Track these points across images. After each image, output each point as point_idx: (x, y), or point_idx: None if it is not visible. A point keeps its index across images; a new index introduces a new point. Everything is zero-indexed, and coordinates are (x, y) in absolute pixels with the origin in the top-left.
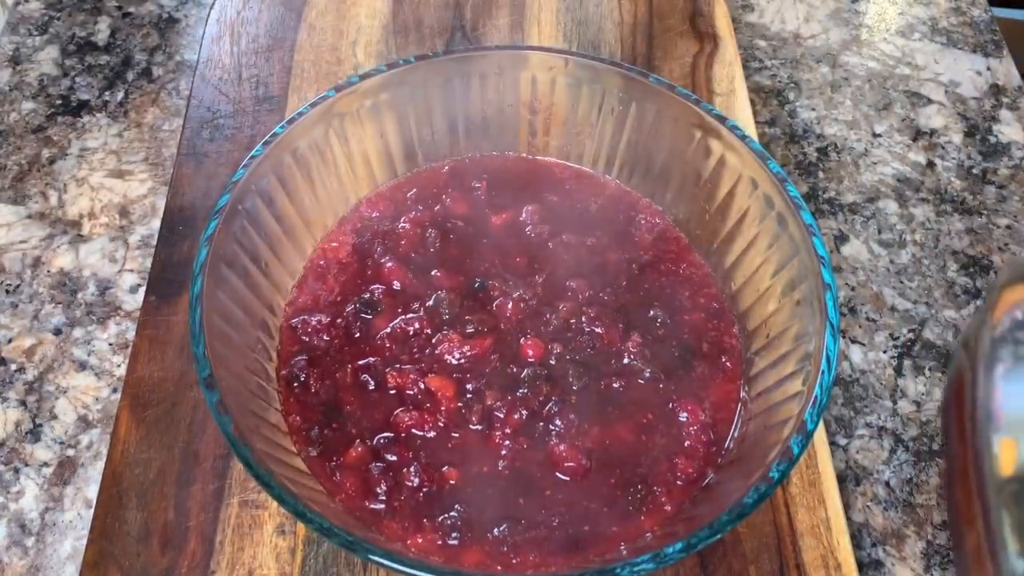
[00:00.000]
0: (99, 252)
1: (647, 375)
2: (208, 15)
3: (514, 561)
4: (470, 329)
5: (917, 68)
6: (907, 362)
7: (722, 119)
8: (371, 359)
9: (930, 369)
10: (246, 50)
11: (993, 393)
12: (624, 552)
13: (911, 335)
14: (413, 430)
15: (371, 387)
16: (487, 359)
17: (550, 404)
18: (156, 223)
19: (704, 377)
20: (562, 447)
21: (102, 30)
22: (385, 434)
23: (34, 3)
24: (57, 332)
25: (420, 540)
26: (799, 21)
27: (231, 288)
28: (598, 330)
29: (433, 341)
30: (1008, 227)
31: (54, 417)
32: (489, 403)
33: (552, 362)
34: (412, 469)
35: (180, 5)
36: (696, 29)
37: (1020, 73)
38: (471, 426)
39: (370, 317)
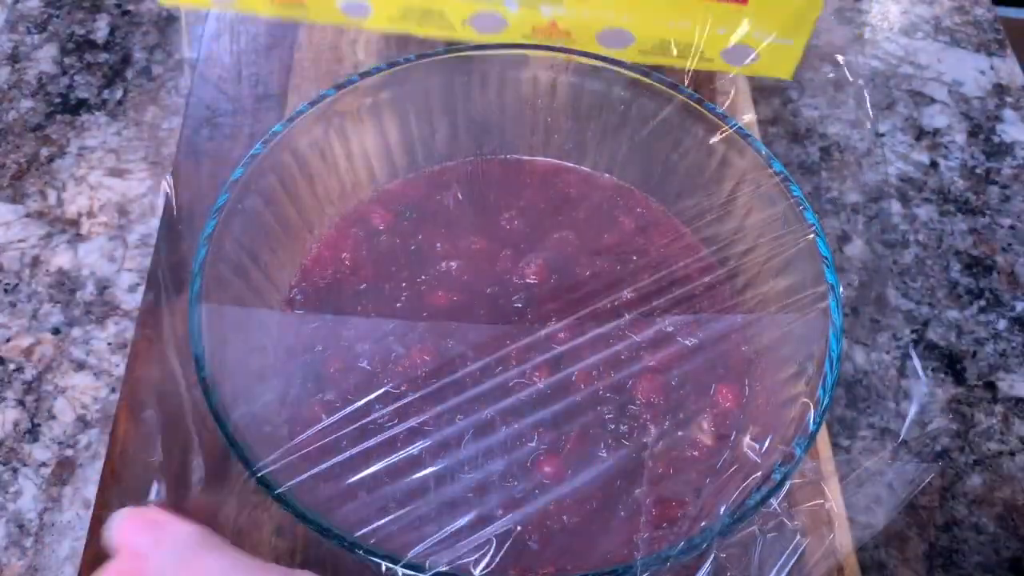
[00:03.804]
0: (98, 251)
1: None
2: (208, 13)
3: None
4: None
5: (920, 67)
6: (910, 363)
7: (724, 118)
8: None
9: (933, 370)
10: (246, 48)
11: None
12: (624, 552)
13: (914, 336)
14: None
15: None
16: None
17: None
18: (155, 222)
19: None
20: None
21: (101, 28)
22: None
23: (33, 1)
24: (56, 332)
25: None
26: None
27: (230, 287)
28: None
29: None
30: (1012, 227)
31: (52, 417)
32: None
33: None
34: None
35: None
36: None
37: None
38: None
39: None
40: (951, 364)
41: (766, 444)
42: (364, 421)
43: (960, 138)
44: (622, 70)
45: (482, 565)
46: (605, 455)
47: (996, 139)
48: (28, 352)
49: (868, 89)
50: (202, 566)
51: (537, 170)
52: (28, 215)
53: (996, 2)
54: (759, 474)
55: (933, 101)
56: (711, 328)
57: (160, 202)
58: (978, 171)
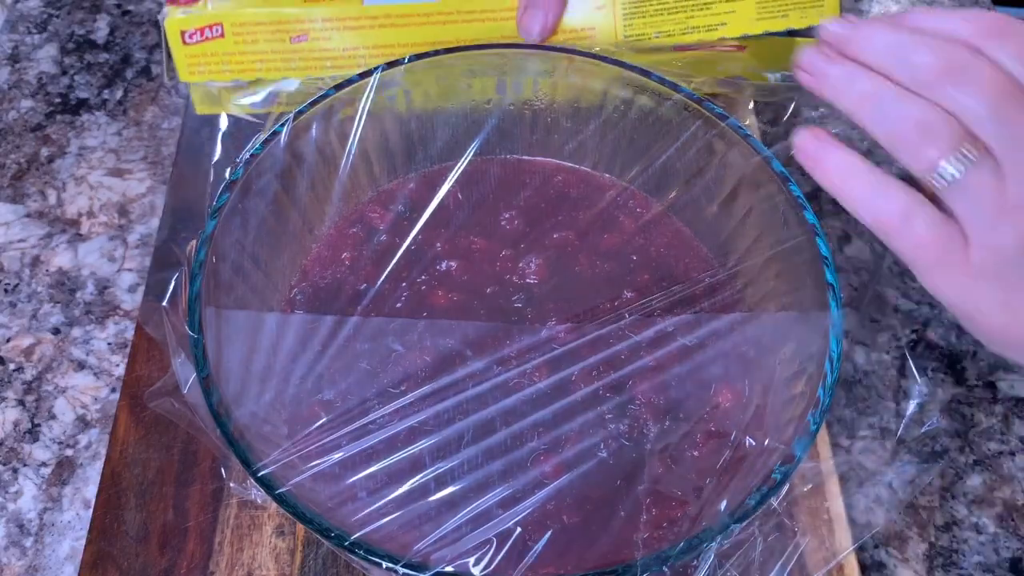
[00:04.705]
0: (98, 251)
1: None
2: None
3: None
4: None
5: None
6: (909, 363)
7: (724, 117)
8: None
9: (933, 370)
10: None
11: None
12: (624, 552)
13: (914, 336)
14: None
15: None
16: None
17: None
18: (155, 222)
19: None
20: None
21: (101, 28)
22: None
23: (33, 1)
24: (56, 332)
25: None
26: None
27: (230, 288)
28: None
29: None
30: None
31: (52, 417)
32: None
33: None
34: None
35: None
36: None
37: None
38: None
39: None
40: (951, 364)
41: (766, 444)
42: (364, 421)
43: None
44: (622, 70)
45: (482, 565)
46: (605, 455)
47: None
48: (28, 352)
49: None
50: None
51: (537, 170)
52: (28, 215)
53: (996, 2)
54: (759, 474)
55: None
56: (711, 328)
57: (160, 202)
58: None
